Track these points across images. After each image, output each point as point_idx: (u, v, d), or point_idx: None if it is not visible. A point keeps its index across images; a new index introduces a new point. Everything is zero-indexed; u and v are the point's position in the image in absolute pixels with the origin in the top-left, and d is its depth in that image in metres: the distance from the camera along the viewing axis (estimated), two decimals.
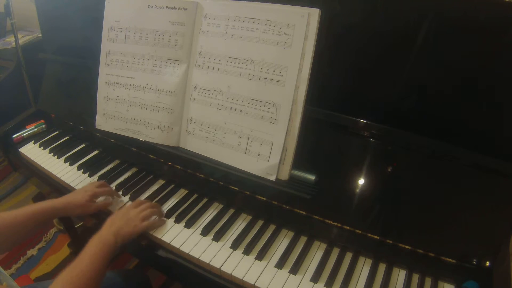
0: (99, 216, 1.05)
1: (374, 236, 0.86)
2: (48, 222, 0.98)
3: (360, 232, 0.88)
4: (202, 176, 1.07)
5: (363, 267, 0.87)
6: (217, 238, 0.93)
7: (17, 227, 0.90)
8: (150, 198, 1.08)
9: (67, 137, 1.40)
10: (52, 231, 1.98)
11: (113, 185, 1.14)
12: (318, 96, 0.88)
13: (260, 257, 0.88)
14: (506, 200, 0.77)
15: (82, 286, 0.74)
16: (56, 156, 1.29)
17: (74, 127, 1.38)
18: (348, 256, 0.89)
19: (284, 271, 0.85)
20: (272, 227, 0.97)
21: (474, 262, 0.79)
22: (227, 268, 0.86)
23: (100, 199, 1.06)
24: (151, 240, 0.97)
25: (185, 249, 0.91)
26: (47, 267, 1.79)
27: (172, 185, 1.13)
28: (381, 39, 0.85)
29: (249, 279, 0.84)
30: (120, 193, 1.11)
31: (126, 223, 0.91)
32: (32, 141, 1.38)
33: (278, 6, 0.87)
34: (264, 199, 0.98)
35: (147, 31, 1.05)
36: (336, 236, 0.91)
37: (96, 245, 0.83)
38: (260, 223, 0.99)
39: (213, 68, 0.97)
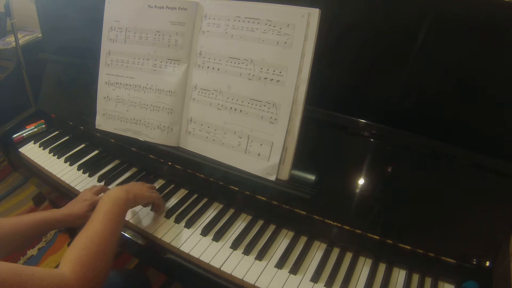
0: None
1: (374, 236, 0.86)
2: (47, 233, 0.96)
3: (360, 232, 0.88)
4: (202, 176, 1.07)
5: (363, 267, 0.87)
6: (217, 238, 0.93)
7: (16, 235, 0.87)
8: None
9: (67, 137, 1.39)
10: (52, 231, 1.98)
11: (113, 185, 1.14)
12: (318, 96, 0.88)
13: (260, 257, 0.88)
14: (506, 200, 0.77)
15: (96, 248, 0.70)
16: (56, 156, 1.29)
17: (74, 127, 1.38)
18: (348, 256, 0.89)
19: (284, 271, 0.85)
20: (272, 227, 0.97)
21: (474, 262, 0.79)
22: (227, 268, 0.86)
23: None
24: (151, 240, 0.97)
25: (185, 249, 0.91)
26: (47, 267, 1.79)
27: (172, 185, 1.13)
28: (381, 39, 0.85)
29: (249, 279, 0.83)
30: None
31: (139, 187, 0.92)
32: (32, 141, 1.38)
33: (278, 6, 0.87)
34: (264, 199, 0.98)
35: (147, 31, 1.05)
36: (336, 236, 0.91)
37: (107, 203, 0.80)
38: (260, 223, 0.99)
39: (213, 68, 0.97)
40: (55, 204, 1.67)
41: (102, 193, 1.05)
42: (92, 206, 0.99)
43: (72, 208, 0.98)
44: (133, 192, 0.87)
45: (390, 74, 0.87)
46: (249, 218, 1.00)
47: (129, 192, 0.85)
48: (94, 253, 0.69)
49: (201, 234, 0.95)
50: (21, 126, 1.44)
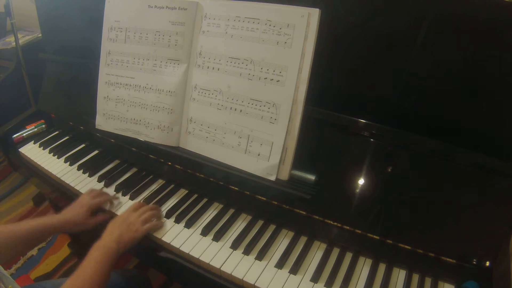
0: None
1: (374, 236, 0.86)
2: (45, 239, 0.98)
3: (360, 232, 0.88)
4: (202, 176, 1.07)
5: (363, 267, 0.87)
6: (217, 238, 0.93)
7: (14, 241, 0.89)
8: (150, 198, 1.08)
9: (67, 137, 1.40)
10: None
11: (113, 185, 1.14)
12: (318, 96, 0.88)
13: (260, 257, 0.88)
14: (506, 200, 0.77)
15: None
16: (56, 156, 1.29)
17: (74, 127, 1.38)
18: (348, 256, 0.89)
19: (284, 271, 0.85)
20: (272, 227, 0.97)
21: (474, 262, 0.79)
22: (227, 268, 0.86)
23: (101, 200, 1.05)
24: (151, 241, 0.97)
25: (185, 249, 0.91)
26: (47, 267, 1.79)
27: (172, 185, 1.13)
28: (381, 39, 0.85)
29: (249, 279, 0.84)
30: (120, 193, 1.11)
31: (127, 228, 0.91)
32: (32, 141, 1.38)
33: (278, 6, 0.87)
34: (264, 199, 0.98)
35: (147, 31, 1.05)
36: (336, 236, 0.91)
37: (99, 253, 0.84)
38: (260, 223, 0.99)
39: (213, 68, 0.97)
40: (55, 204, 1.67)
41: (99, 196, 1.05)
42: (90, 212, 1.01)
43: (70, 214, 0.99)
44: (124, 241, 0.88)
45: (390, 74, 0.87)
46: (249, 218, 1.00)
47: (119, 243, 0.87)
48: None
49: (201, 234, 0.95)
50: (21, 126, 1.44)
